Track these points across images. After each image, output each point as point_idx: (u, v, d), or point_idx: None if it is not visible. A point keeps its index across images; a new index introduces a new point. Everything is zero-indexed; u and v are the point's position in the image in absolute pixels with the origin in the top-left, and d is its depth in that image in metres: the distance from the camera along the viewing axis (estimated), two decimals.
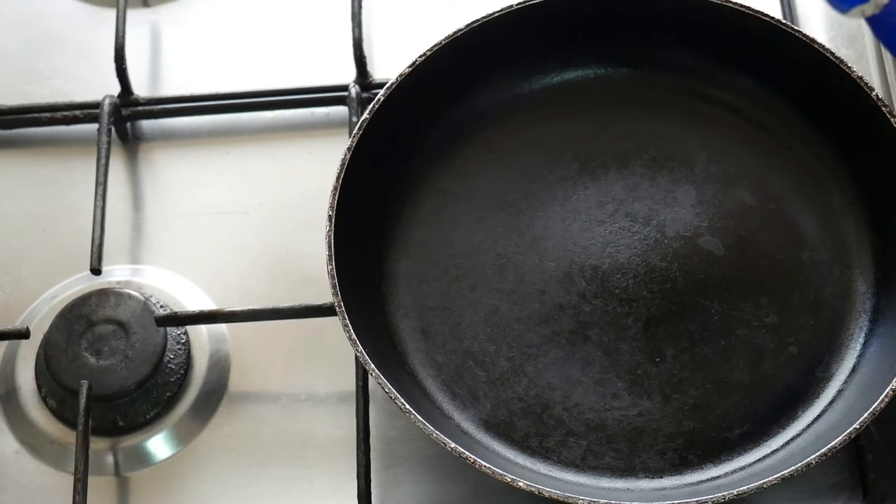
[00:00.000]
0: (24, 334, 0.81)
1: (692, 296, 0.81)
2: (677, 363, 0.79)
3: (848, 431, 0.71)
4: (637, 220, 0.84)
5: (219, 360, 0.84)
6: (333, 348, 0.82)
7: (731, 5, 0.83)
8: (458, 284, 0.82)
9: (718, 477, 0.76)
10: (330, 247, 0.76)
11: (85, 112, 0.91)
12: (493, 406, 0.78)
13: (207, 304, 0.85)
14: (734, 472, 0.76)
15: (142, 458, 0.81)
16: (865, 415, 0.71)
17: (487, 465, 0.70)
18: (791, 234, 0.83)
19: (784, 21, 0.83)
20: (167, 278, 0.86)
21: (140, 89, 0.92)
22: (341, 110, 0.91)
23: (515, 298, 0.81)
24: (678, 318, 0.80)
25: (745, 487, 0.70)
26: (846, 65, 0.80)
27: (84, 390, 0.79)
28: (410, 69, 0.81)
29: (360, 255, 0.80)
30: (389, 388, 0.72)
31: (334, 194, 0.77)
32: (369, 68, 0.91)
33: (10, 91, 0.93)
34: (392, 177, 0.83)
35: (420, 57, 0.82)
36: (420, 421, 0.71)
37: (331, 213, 0.77)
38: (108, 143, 0.88)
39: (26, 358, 0.84)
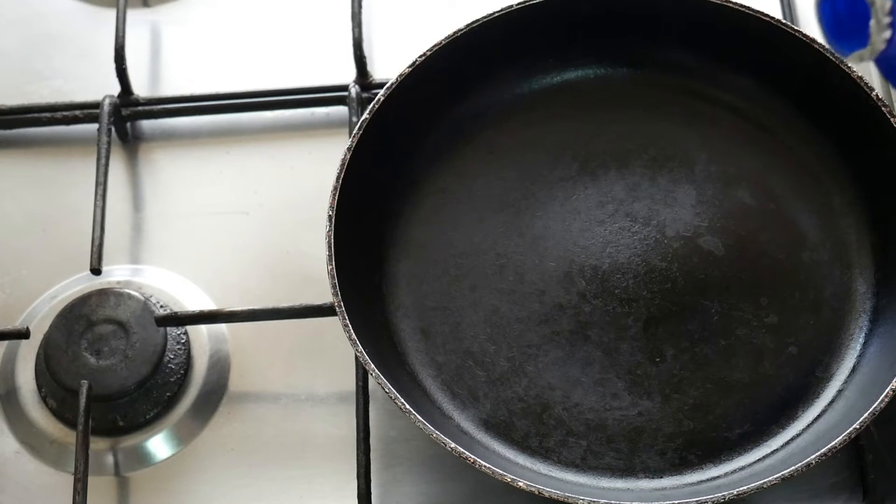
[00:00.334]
0: (24, 334, 0.81)
1: (692, 296, 0.81)
2: (677, 363, 0.79)
3: (848, 431, 0.71)
4: (637, 220, 0.83)
5: (219, 360, 0.84)
6: (333, 348, 0.82)
7: (731, 5, 0.83)
8: (458, 284, 0.82)
9: (718, 477, 0.76)
10: (330, 247, 0.76)
11: (85, 112, 0.91)
12: (493, 406, 0.78)
13: (207, 304, 0.85)
14: (734, 472, 0.76)
15: (142, 458, 0.81)
16: (865, 415, 0.71)
17: (487, 465, 0.70)
18: (791, 234, 0.83)
19: (784, 21, 0.83)
20: (167, 278, 0.86)
21: (140, 89, 0.92)
22: (341, 110, 0.91)
23: (515, 298, 0.81)
24: (678, 318, 0.80)
25: (745, 487, 0.70)
26: (846, 65, 0.80)
27: (84, 390, 0.79)
28: (410, 69, 0.81)
29: (360, 255, 0.80)
30: (389, 388, 0.72)
31: (334, 194, 0.77)
32: (369, 68, 0.91)
33: (10, 91, 0.93)
34: (392, 177, 0.83)
35: (420, 57, 0.82)
36: (420, 421, 0.71)
37: (331, 213, 0.77)
38: (108, 143, 0.88)
39: (26, 358, 0.84)
